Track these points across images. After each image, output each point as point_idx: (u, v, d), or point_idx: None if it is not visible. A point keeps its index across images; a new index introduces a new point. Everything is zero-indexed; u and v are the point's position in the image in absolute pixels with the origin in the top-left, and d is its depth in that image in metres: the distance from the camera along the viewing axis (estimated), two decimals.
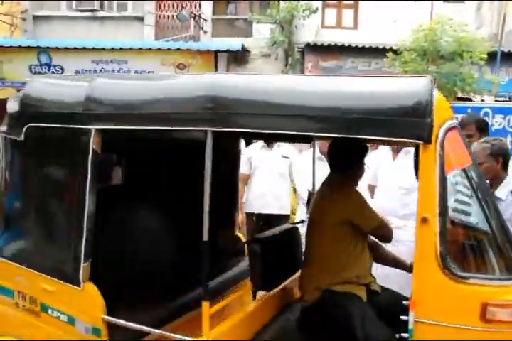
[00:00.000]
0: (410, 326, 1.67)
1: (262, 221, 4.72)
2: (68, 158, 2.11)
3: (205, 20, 11.83)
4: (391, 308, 2.00)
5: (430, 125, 1.62)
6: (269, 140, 4.21)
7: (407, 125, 1.63)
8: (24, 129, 2.23)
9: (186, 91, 1.90)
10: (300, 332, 2.16)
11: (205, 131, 1.79)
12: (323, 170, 3.75)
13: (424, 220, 1.66)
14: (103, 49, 10.69)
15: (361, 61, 11.12)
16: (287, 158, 4.66)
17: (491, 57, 8.67)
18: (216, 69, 10.86)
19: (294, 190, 4.80)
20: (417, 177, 1.82)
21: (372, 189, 3.93)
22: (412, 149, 2.19)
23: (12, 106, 2.38)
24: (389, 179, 3.78)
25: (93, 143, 1.99)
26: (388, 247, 3.47)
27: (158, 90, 2.00)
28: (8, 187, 2.39)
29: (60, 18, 12.45)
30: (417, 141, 1.67)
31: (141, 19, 12.09)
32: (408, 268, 2.43)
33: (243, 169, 4.60)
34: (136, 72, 10.81)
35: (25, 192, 2.30)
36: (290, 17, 11.18)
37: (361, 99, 1.68)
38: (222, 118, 1.76)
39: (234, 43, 10.85)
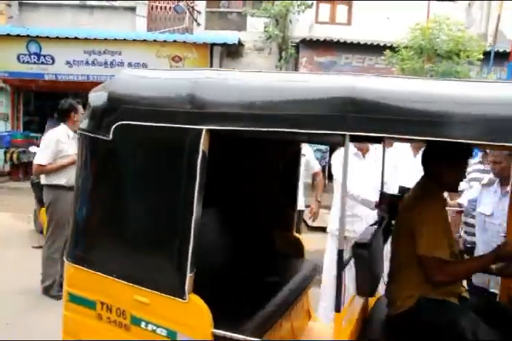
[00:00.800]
0: None
1: None
2: (172, 160, 1.93)
3: (199, 12, 11.71)
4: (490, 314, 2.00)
5: None
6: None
7: None
8: (113, 128, 2.02)
9: (321, 93, 1.76)
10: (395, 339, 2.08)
11: (343, 135, 1.67)
12: (359, 166, 3.84)
13: None
14: (96, 39, 10.48)
15: (356, 57, 11.22)
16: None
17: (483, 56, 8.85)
18: (211, 63, 10.81)
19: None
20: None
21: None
22: None
23: (96, 101, 2.16)
24: (412, 176, 3.86)
25: (203, 145, 1.83)
26: None
27: (283, 90, 1.82)
28: (89, 190, 2.21)
29: (48, 5, 12.12)
30: None
31: (132, 9, 11.88)
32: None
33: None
34: (130, 63, 10.67)
35: (113, 197, 2.10)
36: (285, 11, 11.17)
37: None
38: (362, 122, 1.65)
39: (229, 36, 10.80)
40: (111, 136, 2.03)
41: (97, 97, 2.18)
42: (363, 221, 3.79)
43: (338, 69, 11.27)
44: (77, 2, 11.98)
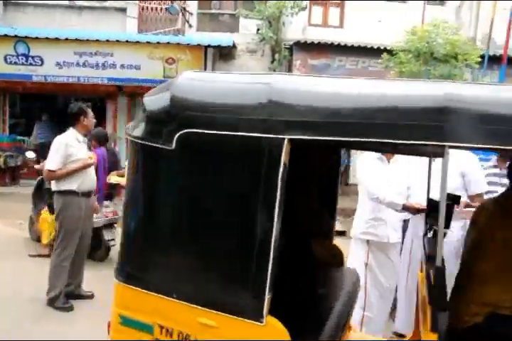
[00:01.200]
0: None
1: None
2: (247, 172, 1.79)
3: (191, 14, 11.59)
4: None
5: None
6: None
7: None
8: (177, 136, 1.84)
9: (417, 101, 1.67)
10: None
11: (442, 146, 1.58)
12: (383, 171, 3.80)
13: None
14: (87, 40, 10.26)
15: (349, 60, 11.25)
16: None
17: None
18: (205, 65, 10.69)
19: None
20: None
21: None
22: None
23: (154, 106, 1.99)
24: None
25: (284, 156, 1.68)
26: None
27: (374, 97, 1.71)
28: (145, 202, 2.03)
29: (35, 5, 11.83)
30: None
31: (123, 10, 11.68)
32: None
33: None
34: (122, 65, 10.48)
35: (176, 210, 1.95)
36: (278, 13, 11.14)
37: None
38: (461, 132, 1.56)
39: (223, 38, 10.71)
40: (174, 145, 1.85)
41: (155, 102, 2.00)
42: (387, 225, 3.76)
43: (331, 72, 11.28)
44: (66, 2, 11.74)
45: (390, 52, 9.01)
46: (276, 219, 1.71)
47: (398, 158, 3.88)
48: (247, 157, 1.79)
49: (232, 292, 1.81)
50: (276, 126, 1.72)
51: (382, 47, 10.81)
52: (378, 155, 3.81)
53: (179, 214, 1.95)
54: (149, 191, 2.03)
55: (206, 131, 1.83)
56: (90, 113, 4.47)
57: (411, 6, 11.36)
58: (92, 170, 4.49)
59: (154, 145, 1.92)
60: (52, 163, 4.22)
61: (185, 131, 1.85)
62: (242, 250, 1.80)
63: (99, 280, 5.19)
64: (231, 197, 1.84)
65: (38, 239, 6.38)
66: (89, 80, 10.70)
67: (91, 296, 4.65)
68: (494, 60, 9.26)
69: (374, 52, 11.01)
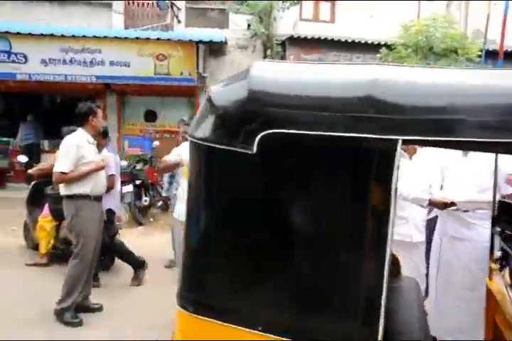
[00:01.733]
0: None
1: None
2: (351, 181, 1.53)
3: (179, 9, 11.25)
4: None
5: None
6: None
7: None
8: (258, 138, 1.55)
9: None
10: None
11: None
12: (405, 167, 3.64)
13: None
14: (73, 36, 9.83)
15: (343, 55, 11.10)
16: None
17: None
18: (197, 62, 10.40)
19: None
20: None
21: None
22: None
23: (226, 102, 1.69)
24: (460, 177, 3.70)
25: (398, 160, 1.46)
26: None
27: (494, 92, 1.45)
28: (218, 217, 1.74)
29: None
30: None
31: (108, 5, 11.26)
32: None
33: None
34: (111, 62, 10.10)
35: (259, 229, 1.65)
36: (269, 8, 10.90)
37: None
38: None
39: (215, 34, 10.43)
40: (255, 149, 1.56)
41: (228, 96, 1.70)
42: (410, 223, 3.66)
43: None
44: None
45: (388, 46, 8.88)
46: (390, 230, 1.47)
47: (419, 154, 3.75)
48: (351, 163, 1.52)
49: (337, 322, 1.54)
50: (387, 125, 1.47)
51: (376, 43, 10.74)
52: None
53: (266, 232, 1.64)
54: (224, 205, 1.73)
55: (296, 132, 1.54)
56: (100, 113, 4.23)
57: (402, 2, 11.26)
58: (103, 173, 4.23)
59: (229, 148, 1.62)
60: (63, 165, 3.96)
61: (270, 131, 1.55)
62: (351, 270, 1.55)
63: (106, 290, 4.95)
64: (332, 211, 1.57)
65: (35, 247, 6.06)
66: (77, 78, 10.28)
67: (100, 309, 4.39)
68: (488, 55, 9.22)
69: (368, 47, 10.92)
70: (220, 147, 1.65)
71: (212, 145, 1.68)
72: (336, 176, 1.56)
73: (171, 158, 4.27)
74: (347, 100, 1.56)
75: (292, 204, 1.63)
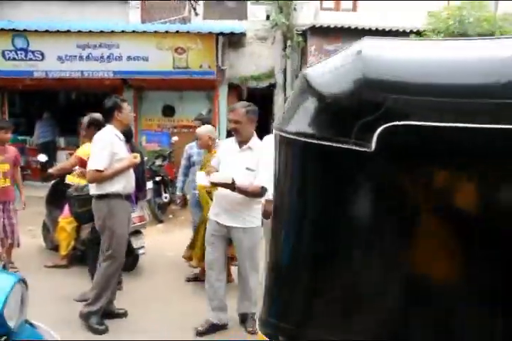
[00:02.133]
0: None
1: None
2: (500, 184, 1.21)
3: (197, 1, 10.94)
4: None
5: None
6: None
7: None
8: (378, 132, 1.24)
9: None
10: None
11: None
12: None
13: None
14: (90, 32, 9.61)
15: None
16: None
17: None
18: (217, 54, 10.09)
19: None
20: None
21: None
22: None
23: (333, 88, 1.36)
24: None
25: None
26: None
27: None
28: (319, 232, 1.41)
29: None
30: None
31: (125, 1, 11.02)
32: None
33: None
34: (129, 57, 9.87)
35: (376, 243, 1.32)
36: None
37: None
38: None
39: (235, 26, 10.10)
40: (373, 146, 1.24)
41: (333, 83, 1.36)
42: None
43: None
44: None
45: (418, 33, 8.44)
46: None
47: None
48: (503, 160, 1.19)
49: None
50: None
51: (401, 30, 10.29)
52: None
53: (400, 250, 1.30)
54: (330, 216, 1.39)
55: (427, 124, 1.21)
56: (126, 107, 4.00)
57: None
58: (131, 171, 4.01)
59: (338, 145, 1.29)
60: (98, 162, 3.75)
61: (392, 124, 1.23)
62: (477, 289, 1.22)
63: (128, 293, 4.72)
64: (475, 220, 1.24)
65: (55, 248, 5.87)
66: (94, 74, 10.08)
67: (124, 314, 4.16)
68: None
69: (393, 34, 10.44)
70: (326, 144, 1.31)
71: (313, 141, 1.34)
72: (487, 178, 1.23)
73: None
74: (491, 83, 1.23)
75: (425, 217, 1.30)
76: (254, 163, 3.68)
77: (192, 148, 5.45)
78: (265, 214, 3.82)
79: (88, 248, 4.80)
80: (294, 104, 1.50)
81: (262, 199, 3.81)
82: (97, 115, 4.58)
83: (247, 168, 3.67)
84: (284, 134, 1.45)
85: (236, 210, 3.73)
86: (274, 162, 1.55)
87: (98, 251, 4.05)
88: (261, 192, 3.63)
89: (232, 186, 3.50)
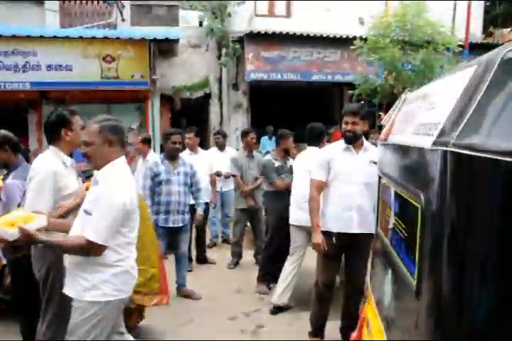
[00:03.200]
0: None
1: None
2: None
3: (124, 6, 10.07)
4: None
5: None
6: None
7: None
8: None
9: None
10: None
11: None
12: None
13: None
14: (1, 36, 8.39)
15: (304, 51, 10.42)
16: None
17: None
18: (150, 62, 9.28)
19: None
20: None
21: None
22: None
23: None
24: None
25: None
26: None
27: None
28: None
29: None
30: None
31: (40, 3, 9.87)
32: None
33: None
34: (49, 66, 8.74)
35: None
36: (224, 3, 10.03)
37: None
38: None
39: (167, 32, 9.34)
40: None
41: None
42: None
43: (287, 64, 10.40)
44: None
45: (362, 38, 8.29)
46: None
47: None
48: None
49: None
50: None
51: (338, 36, 10.19)
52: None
53: None
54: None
55: None
56: (78, 122, 3.03)
57: None
58: None
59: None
60: (39, 204, 2.76)
61: None
62: None
63: None
64: None
65: None
66: (6, 86, 8.82)
67: None
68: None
69: (329, 41, 10.33)
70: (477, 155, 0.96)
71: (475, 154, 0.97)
72: None
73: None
74: None
75: None
76: (93, 203, 2.48)
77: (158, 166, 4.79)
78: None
79: (15, 298, 3.54)
80: (489, 109, 1.03)
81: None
82: (3, 131, 3.54)
83: (85, 211, 2.50)
84: (467, 152, 1.01)
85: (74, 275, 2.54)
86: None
87: (32, 304, 3.12)
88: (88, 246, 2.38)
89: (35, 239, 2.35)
